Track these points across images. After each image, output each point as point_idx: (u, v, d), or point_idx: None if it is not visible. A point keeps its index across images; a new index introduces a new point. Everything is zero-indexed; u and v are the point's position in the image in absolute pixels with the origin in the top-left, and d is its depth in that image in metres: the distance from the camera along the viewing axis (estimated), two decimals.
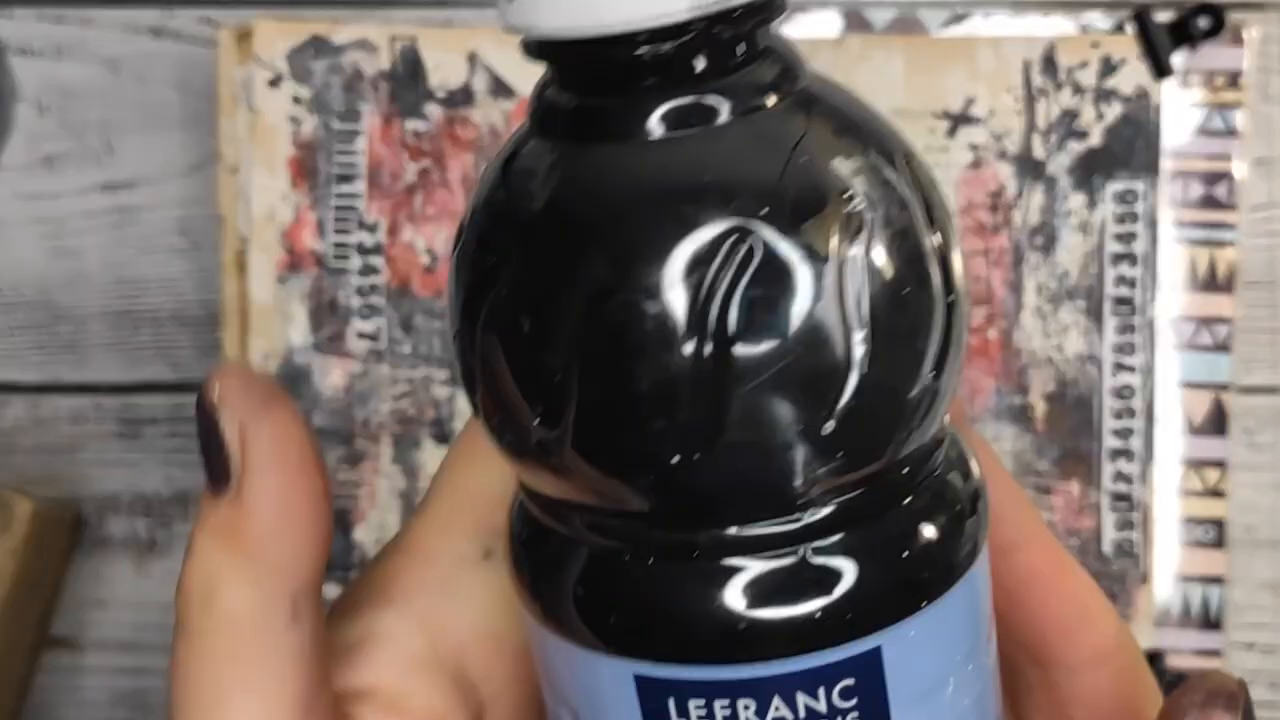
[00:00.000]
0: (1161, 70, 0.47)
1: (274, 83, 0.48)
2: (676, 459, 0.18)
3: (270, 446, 0.20)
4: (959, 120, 0.48)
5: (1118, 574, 0.48)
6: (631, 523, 0.20)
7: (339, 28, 0.48)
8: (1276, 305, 0.49)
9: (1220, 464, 0.48)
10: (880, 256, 0.18)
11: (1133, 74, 0.48)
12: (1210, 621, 0.48)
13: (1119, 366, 0.48)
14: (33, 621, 0.50)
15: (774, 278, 0.17)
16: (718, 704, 0.20)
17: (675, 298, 0.17)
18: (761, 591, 0.19)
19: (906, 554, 0.20)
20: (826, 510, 0.19)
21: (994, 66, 0.48)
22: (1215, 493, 0.48)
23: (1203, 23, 0.47)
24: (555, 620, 0.21)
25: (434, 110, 0.48)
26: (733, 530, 0.19)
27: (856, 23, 0.48)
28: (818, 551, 0.20)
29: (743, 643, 0.20)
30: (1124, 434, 0.48)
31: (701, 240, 0.17)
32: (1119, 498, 0.48)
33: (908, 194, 0.19)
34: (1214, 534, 0.48)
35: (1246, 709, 0.23)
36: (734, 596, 0.19)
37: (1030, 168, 0.48)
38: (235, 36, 0.48)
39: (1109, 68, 0.48)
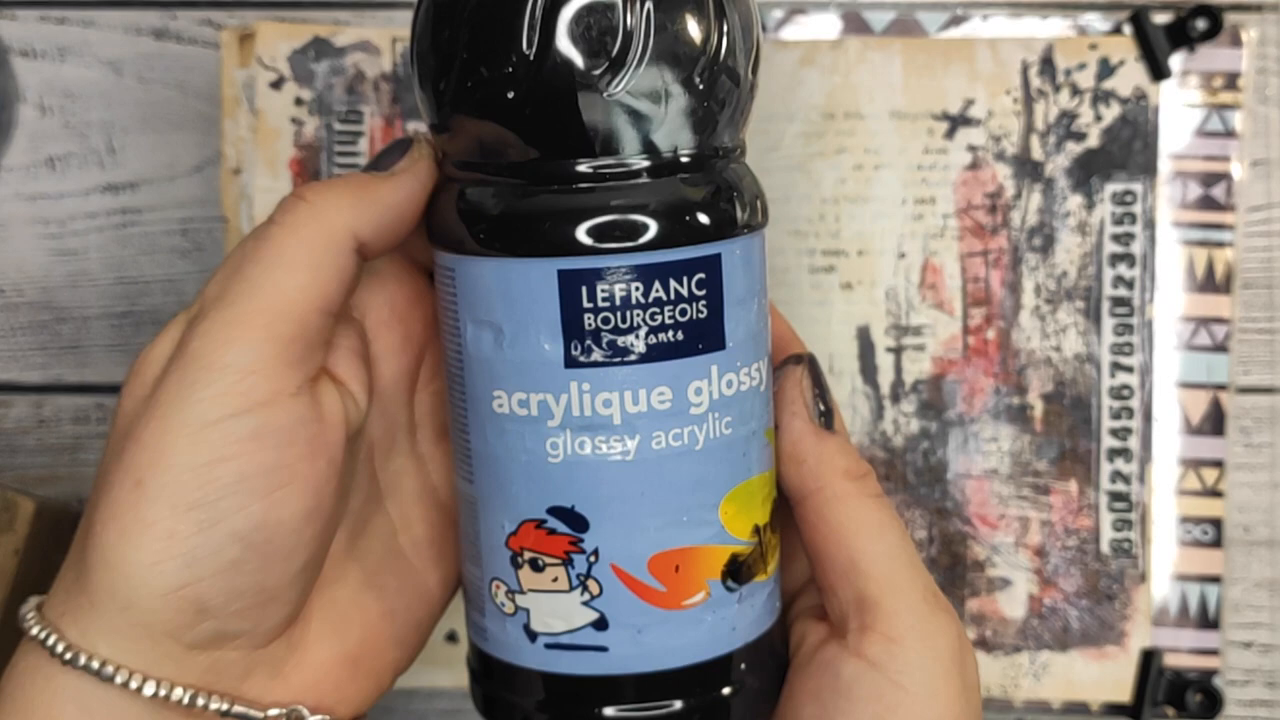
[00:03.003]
0: (1159, 72, 0.48)
1: (276, 84, 0.48)
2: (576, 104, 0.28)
3: (422, 176, 0.32)
4: (957, 122, 0.48)
5: (1116, 573, 0.48)
6: (549, 164, 0.29)
7: (341, 29, 0.48)
8: (1274, 306, 0.49)
9: (1218, 464, 0.49)
10: None
11: (1131, 75, 0.48)
12: (1208, 620, 0.49)
13: (1117, 367, 0.48)
14: None
15: None
16: (617, 287, 0.29)
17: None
18: (652, 204, 0.29)
19: (736, 194, 0.30)
20: (692, 154, 0.30)
21: (992, 68, 0.48)
22: (1213, 492, 0.49)
23: (1200, 24, 0.47)
24: (496, 245, 0.29)
25: None
26: (637, 163, 0.29)
27: (855, 24, 0.48)
28: (687, 182, 0.30)
29: (638, 235, 0.29)
30: (1122, 434, 0.48)
31: None
32: (1117, 497, 0.48)
33: None
34: (1211, 533, 0.49)
35: (810, 361, 0.33)
36: (633, 207, 0.29)
37: (1029, 169, 0.48)
38: (237, 38, 0.48)
39: (1107, 69, 0.48)
